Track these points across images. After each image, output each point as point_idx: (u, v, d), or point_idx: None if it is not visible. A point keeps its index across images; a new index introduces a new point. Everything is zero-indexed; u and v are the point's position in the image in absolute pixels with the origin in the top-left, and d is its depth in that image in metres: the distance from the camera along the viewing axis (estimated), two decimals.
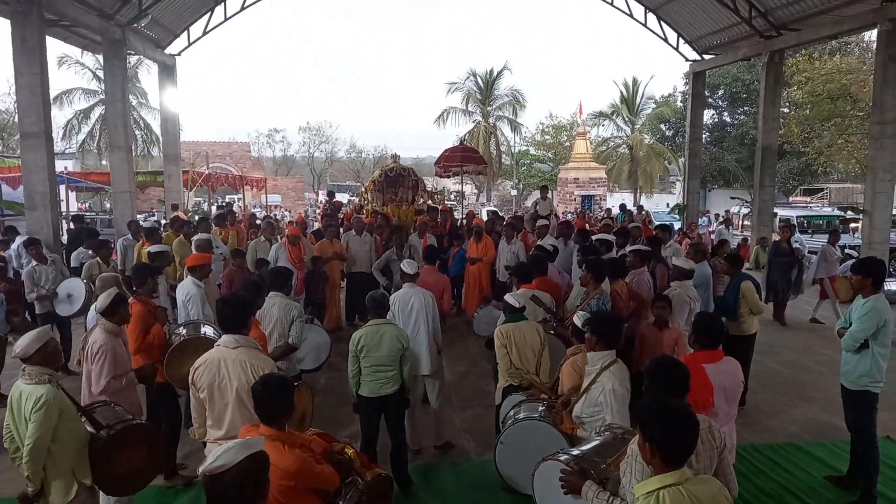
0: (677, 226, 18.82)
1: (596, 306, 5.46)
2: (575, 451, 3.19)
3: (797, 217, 18.55)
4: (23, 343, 3.52)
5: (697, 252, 7.21)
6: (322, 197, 29.67)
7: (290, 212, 34.05)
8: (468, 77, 41.70)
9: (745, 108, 35.03)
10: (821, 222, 19.16)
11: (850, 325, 4.83)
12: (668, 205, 28.98)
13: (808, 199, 29.92)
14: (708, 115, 34.29)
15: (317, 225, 15.61)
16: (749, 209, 19.47)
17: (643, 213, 19.72)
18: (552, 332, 5.44)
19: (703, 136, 26.03)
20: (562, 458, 3.10)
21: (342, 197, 27.67)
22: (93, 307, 5.36)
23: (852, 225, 18.53)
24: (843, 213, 19.49)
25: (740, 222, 20.64)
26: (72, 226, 12.92)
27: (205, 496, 2.24)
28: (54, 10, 11.74)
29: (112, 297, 4.28)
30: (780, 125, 19.78)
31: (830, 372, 7.40)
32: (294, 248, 8.95)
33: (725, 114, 37.04)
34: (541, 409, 4.25)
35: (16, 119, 23.99)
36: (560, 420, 3.91)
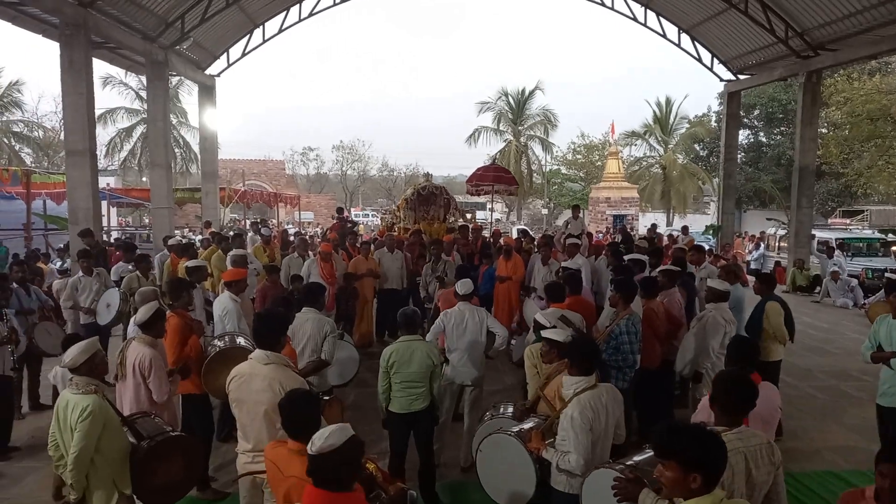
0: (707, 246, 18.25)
1: (625, 327, 5.42)
2: (628, 462, 3.17)
3: (836, 239, 18.14)
4: (71, 353, 3.64)
5: (730, 274, 7.12)
6: (354, 214, 30.00)
7: (321, 228, 34.43)
8: (500, 97, 41.70)
9: (782, 129, 34.49)
10: (861, 245, 18.69)
11: (878, 347, 4.74)
12: (706, 226, 28.60)
13: (848, 220, 29.20)
14: (743, 135, 33.84)
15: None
16: (785, 231, 19.06)
17: (688, 235, 18.52)
18: None
19: (739, 156, 25.60)
20: (616, 468, 3.08)
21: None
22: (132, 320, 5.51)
23: (893, 248, 18.08)
24: (883, 236, 19.02)
25: (776, 244, 20.24)
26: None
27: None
28: (101, 32, 12.21)
29: (153, 311, 4.40)
30: (817, 146, 19.43)
31: (869, 398, 7.18)
32: (326, 265, 9.09)
33: (761, 134, 36.51)
34: (523, 425, 4.17)
35: (61, 137, 24.86)
36: (529, 438, 3.86)
